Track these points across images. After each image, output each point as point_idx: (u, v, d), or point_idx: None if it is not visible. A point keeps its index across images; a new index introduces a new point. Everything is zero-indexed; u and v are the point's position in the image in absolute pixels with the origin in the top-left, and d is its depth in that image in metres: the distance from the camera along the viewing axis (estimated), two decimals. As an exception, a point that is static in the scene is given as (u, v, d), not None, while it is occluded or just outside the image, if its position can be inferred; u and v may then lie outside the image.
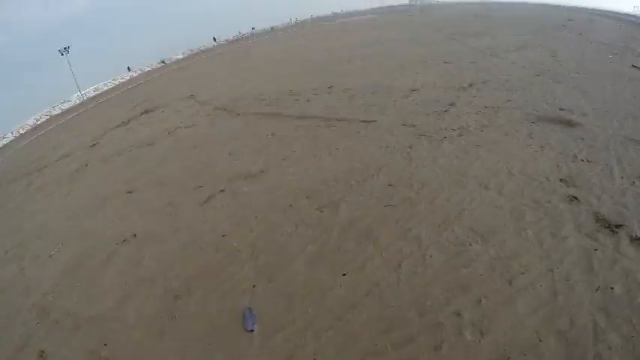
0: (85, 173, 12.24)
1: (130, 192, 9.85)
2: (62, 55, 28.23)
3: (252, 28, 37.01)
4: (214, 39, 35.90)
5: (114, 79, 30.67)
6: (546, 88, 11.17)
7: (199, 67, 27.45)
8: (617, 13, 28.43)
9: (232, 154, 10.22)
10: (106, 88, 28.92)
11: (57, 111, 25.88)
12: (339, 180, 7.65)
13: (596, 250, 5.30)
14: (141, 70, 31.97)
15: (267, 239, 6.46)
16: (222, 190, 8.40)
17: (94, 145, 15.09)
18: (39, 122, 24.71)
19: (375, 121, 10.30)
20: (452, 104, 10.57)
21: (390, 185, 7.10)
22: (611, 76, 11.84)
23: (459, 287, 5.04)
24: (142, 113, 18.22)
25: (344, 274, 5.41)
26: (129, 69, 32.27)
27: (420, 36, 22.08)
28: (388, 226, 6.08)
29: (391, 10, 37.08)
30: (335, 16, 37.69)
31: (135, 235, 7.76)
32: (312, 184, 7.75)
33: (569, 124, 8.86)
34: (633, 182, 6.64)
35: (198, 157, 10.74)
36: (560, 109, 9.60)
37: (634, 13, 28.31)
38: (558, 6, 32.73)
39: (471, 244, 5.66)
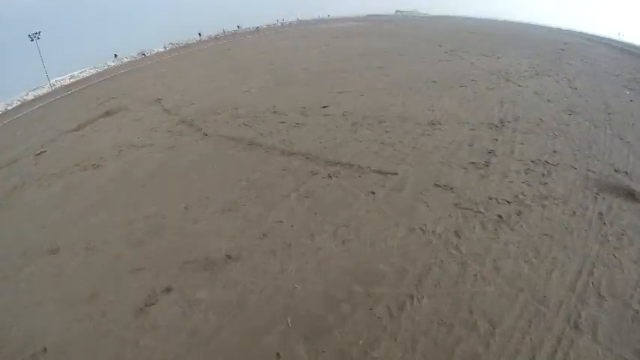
0: (16, 200, 8.81)
1: (54, 252, 6.46)
2: (32, 40, 23.60)
3: (238, 27, 32.97)
4: (199, 34, 31.67)
5: (94, 67, 26.45)
6: (587, 134, 8.62)
7: (177, 63, 23.20)
8: (604, 39, 27.21)
9: (189, 210, 6.73)
10: (82, 77, 24.67)
11: (30, 97, 21.87)
12: (357, 301, 4.44)
13: None
14: (120, 60, 27.71)
15: None
16: (169, 290, 5.03)
17: (40, 153, 11.44)
18: (10, 108, 20.39)
19: (395, 173, 7.08)
20: (490, 152, 7.70)
21: (443, 323, 4.06)
22: (642, 119, 9.64)
23: None
24: (102, 115, 14.35)
25: None
26: (116, 56, 28.03)
27: (417, 49, 19.17)
28: None
29: (378, 19, 34.11)
30: (321, 20, 34.23)
31: (45, 349, 4.57)
32: (311, 305, 4.48)
33: (633, 197, 6.32)
34: None
35: (144, 207, 7.18)
36: (616, 171, 7.03)
37: (620, 39, 27.23)
38: (544, 27, 31.30)
39: None
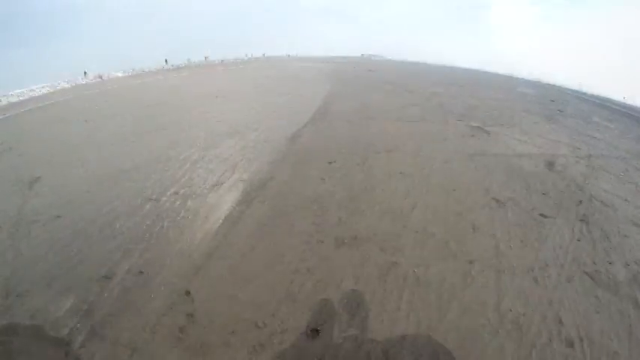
0: None
1: None
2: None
3: (205, 58, 27.65)
4: (166, 61, 26.32)
5: (58, 83, 19.27)
6: None
7: (110, 100, 15.87)
8: (575, 92, 25.17)
9: None
10: (37, 94, 17.54)
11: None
12: None
13: None
14: (75, 82, 20.92)
15: None
16: None
17: None
18: None
19: None
20: None
21: None
22: None
23: None
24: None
25: None
26: (85, 73, 21.57)
27: (422, 113, 14.23)
28: None
29: (346, 61, 29.60)
30: (289, 58, 29.13)
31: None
32: None
33: None
34: None
35: None
36: None
37: (586, 91, 25.30)
38: (513, 78, 29.01)
39: None
